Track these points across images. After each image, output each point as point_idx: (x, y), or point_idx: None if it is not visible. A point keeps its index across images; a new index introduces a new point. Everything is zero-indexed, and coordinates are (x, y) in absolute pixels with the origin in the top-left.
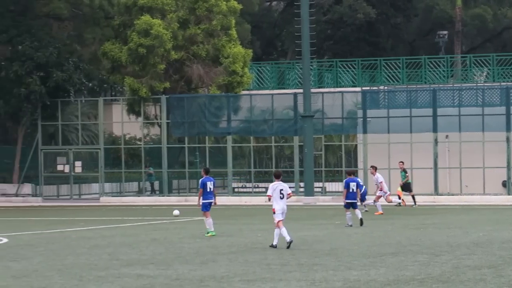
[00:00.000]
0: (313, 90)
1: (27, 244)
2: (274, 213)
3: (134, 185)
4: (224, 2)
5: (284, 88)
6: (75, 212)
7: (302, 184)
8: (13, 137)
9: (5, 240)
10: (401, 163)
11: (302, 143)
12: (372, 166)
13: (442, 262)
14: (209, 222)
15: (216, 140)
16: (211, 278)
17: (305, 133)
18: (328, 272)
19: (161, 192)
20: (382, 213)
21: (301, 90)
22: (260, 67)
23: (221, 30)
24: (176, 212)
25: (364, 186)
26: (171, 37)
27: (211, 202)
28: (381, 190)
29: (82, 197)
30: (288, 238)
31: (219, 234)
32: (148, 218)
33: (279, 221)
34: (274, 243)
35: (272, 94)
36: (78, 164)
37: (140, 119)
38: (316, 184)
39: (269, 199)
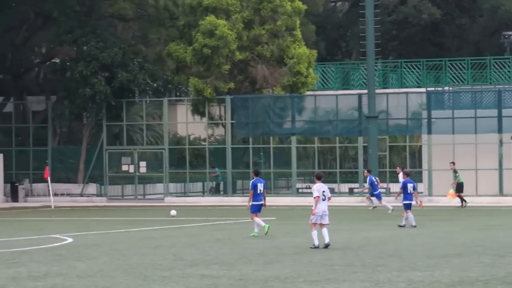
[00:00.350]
0: (377, 91)
1: (92, 244)
2: (312, 214)
3: (198, 186)
4: (289, 3)
5: (348, 89)
6: (140, 212)
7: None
8: (78, 137)
9: (70, 240)
10: (452, 164)
11: (366, 144)
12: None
13: (507, 263)
14: (257, 221)
15: (280, 141)
16: (275, 279)
17: (370, 133)
18: (392, 273)
19: (225, 193)
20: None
21: (365, 91)
22: (324, 67)
23: (285, 31)
24: (173, 212)
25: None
26: (236, 37)
27: (261, 204)
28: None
29: (147, 197)
30: (326, 240)
31: (283, 235)
32: (212, 219)
33: (314, 223)
34: (316, 243)
35: (337, 95)
36: (143, 164)
37: (205, 119)
38: (381, 185)
39: (317, 201)
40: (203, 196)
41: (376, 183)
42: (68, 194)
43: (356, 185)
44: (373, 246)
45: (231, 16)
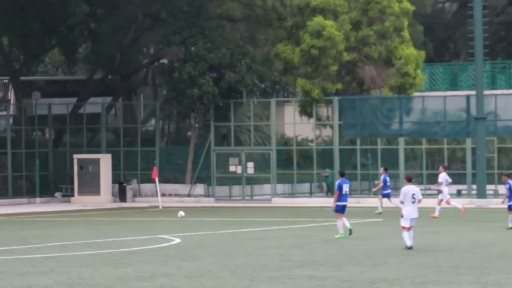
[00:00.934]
0: (486, 92)
1: (199, 245)
2: (402, 216)
3: (305, 186)
4: (397, 4)
5: (456, 90)
6: (247, 213)
7: (474, 187)
8: (186, 138)
9: (177, 240)
10: None
11: (474, 145)
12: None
13: None
14: (339, 224)
15: (388, 142)
16: (382, 280)
17: (478, 135)
18: (500, 275)
19: (332, 194)
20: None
21: (473, 92)
22: (432, 68)
23: (393, 32)
24: (181, 213)
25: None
26: (344, 38)
27: (346, 205)
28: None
29: (254, 198)
30: (408, 244)
31: (390, 236)
32: (319, 220)
33: (403, 226)
34: (408, 244)
35: (445, 96)
36: (250, 165)
37: (312, 120)
38: (489, 187)
39: (403, 204)
40: (310, 197)
41: (388, 183)
42: (175, 195)
43: (464, 186)
44: (481, 248)
45: (339, 17)
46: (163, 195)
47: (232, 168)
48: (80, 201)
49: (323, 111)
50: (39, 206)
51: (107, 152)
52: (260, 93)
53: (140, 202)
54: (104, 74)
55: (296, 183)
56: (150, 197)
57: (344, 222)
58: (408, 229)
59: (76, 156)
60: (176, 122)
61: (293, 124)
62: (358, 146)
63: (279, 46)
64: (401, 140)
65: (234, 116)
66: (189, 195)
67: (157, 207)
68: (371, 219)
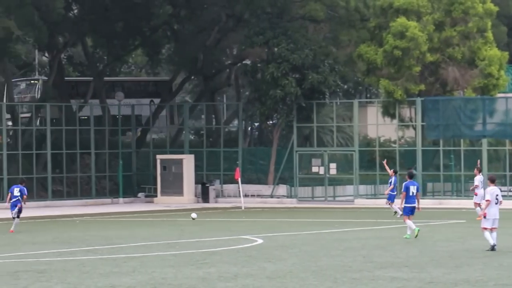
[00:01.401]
0: None
1: (281, 245)
2: (484, 217)
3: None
4: (481, 4)
5: None
6: (330, 214)
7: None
8: (269, 139)
9: (260, 241)
10: None
11: None
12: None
13: None
14: (408, 224)
15: (471, 143)
16: (465, 282)
17: None
18: None
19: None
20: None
21: None
22: None
23: (477, 33)
24: (193, 215)
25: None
26: (427, 39)
27: (414, 207)
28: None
29: (337, 199)
30: (491, 242)
31: (473, 238)
32: (402, 221)
33: (485, 227)
34: (492, 243)
35: None
36: (333, 166)
37: (395, 121)
38: None
39: (487, 204)
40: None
41: (395, 185)
42: (258, 195)
43: None
44: None
45: (422, 17)
46: (245, 195)
47: (314, 169)
48: (163, 202)
49: (406, 112)
50: (123, 206)
51: (190, 152)
52: (343, 94)
53: (223, 203)
54: (187, 75)
55: (379, 184)
56: (232, 197)
57: (410, 224)
58: (491, 230)
59: (159, 157)
60: (259, 122)
61: (376, 125)
62: (441, 147)
63: (362, 47)
64: (484, 141)
65: (317, 117)
66: (271, 196)
67: (240, 207)
68: (454, 220)
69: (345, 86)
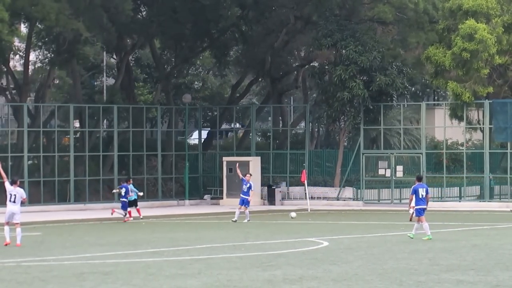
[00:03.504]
0: None
1: (347, 248)
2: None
3: (455, 190)
4: None
5: None
6: (396, 217)
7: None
8: (335, 141)
9: (326, 243)
10: None
11: None
12: None
13: None
14: (425, 226)
15: None
16: None
17: None
18: None
19: (482, 198)
20: None
21: None
22: None
23: None
24: (292, 214)
25: None
26: (495, 41)
27: (423, 208)
28: None
29: (403, 201)
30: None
31: None
32: (469, 224)
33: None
34: None
35: None
36: (400, 168)
37: (463, 124)
38: None
39: None
40: (460, 201)
41: None
42: (324, 198)
43: None
44: None
45: (491, 20)
46: (311, 198)
47: (381, 172)
48: (228, 204)
49: (474, 114)
50: (189, 208)
51: (257, 154)
52: (411, 96)
53: (289, 205)
54: (255, 77)
55: (446, 187)
56: (299, 200)
57: (426, 227)
58: None
59: (225, 159)
60: (326, 125)
61: (443, 127)
62: (508, 150)
63: (430, 49)
64: None
65: (384, 119)
66: (337, 198)
67: (306, 210)
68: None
69: (413, 89)
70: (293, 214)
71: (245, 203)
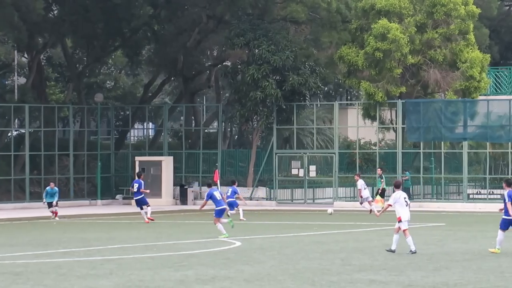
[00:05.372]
0: None
1: (260, 248)
2: (399, 221)
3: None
4: (463, 7)
5: None
6: (309, 217)
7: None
8: (248, 140)
9: (238, 243)
10: None
11: None
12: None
13: None
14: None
15: (452, 146)
16: (443, 285)
17: None
18: None
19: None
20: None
21: None
22: (497, 72)
23: (458, 35)
24: (330, 210)
25: None
26: (408, 41)
27: (224, 209)
28: None
29: (316, 201)
30: (413, 248)
31: (453, 241)
32: (381, 224)
33: (405, 229)
34: (393, 248)
35: (510, 100)
36: (313, 168)
37: (376, 123)
38: None
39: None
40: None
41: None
42: (237, 198)
43: None
44: None
45: (404, 19)
46: None
47: (294, 171)
48: None
49: (387, 114)
50: (101, 208)
51: (169, 154)
52: (324, 96)
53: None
54: (167, 76)
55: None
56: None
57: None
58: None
59: (138, 159)
60: (239, 124)
61: (356, 127)
62: (421, 150)
63: (343, 49)
64: (465, 144)
65: (297, 119)
66: (250, 198)
67: None
68: (434, 224)
69: (326, 88)
70: (330, 210)
71: (234, 205)
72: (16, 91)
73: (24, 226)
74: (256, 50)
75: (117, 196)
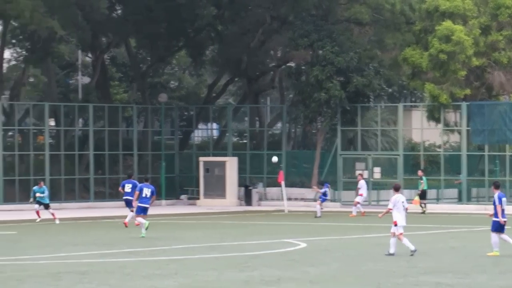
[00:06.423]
0: None
1: (325, 249)
2: (395, 225)
3: (433, 192)
4: None
5: None
6: (373, 218)
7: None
8: (312, 142)
9: (303, 245)
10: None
11: None
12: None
13: None
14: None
15: None
16: None
17: None
18: None
19: (460, 200)
20: None
21: None
22: None
23: None
24: (274, 158)
25: None
26: (473, 43)
27: (146, 207)
28: None
29: (380, 203)
30: (412, 248)
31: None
32: (446, 226)
33: (400, 234)
34: (392, 251)
35: None
36: (377, 170)
37: (440, 125)
38: None
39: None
40: (437, 203)
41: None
42: (301, 199)
43: None
44: None
45: (468, 21)
46: (289, 199)
47: (358, 173)
48: (205, 204)
49: (451, 116)
50: (165, 208)
51: (234, 155)
52: (388, 98)
53: (266, 206)
54: (231, 77)
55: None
56: (275, 200)
57: (141, 220)
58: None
59: (202, 159)
60: (303, 125)
61: (421, 129)
62: (486, 152)
63: (407, 51)
64: None
65: (361, 121)
66: (315, 200)
67: (283, 211)
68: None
69: (390, 90)
70: (275, 158)
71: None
72: (80, 90)
73: (88, 226)
74: (320, 51)
75: (182, 196)
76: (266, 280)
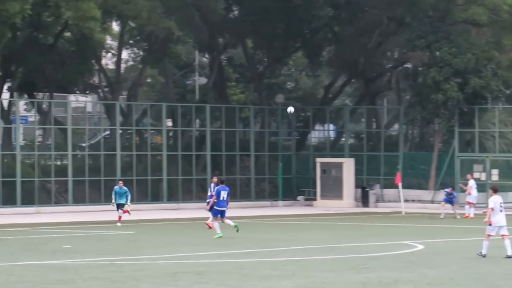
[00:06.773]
0: None
1: (442, 252)
2: (490, 225)
3: None
4: None
5: None
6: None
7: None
8: (430, 143)
9: (420, 246)
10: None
11: None
12: None
13: None
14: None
15: None
16: None
17: None
18: None
19: None
20: None
21: None
22: None
23: None
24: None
25: None
26: None
27: (224, 210)
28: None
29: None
30: (509, 253)
31: None
32: None
33: (489, 235)
34: (483, 252)
35: None
36: (495, 172)
37: None
38: None
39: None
40: None
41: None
42: (418, 201)
43: None
44: None
45: None
46: (406, 200)
47: (476, 175)
48: (322, 205)
49: None
50: (282, 209)
51: (350, 156)
52: (505, 99)
53: (383, 207)
54: (348, 78)
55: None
56: (392, 202)
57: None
58: (502, 237)
59: (319, 160)
60: (420, 127)
61: None
62: None
63: None
64: None
65: (479, 122)
66: (432, 201)
67: (400, 212)
68: None
69: (508, 91)
70: (291, 109)
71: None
72: (197, 91)
73: (205, 226)
74: (437, 53)
75: (299, 197)
76: (384, 282)
